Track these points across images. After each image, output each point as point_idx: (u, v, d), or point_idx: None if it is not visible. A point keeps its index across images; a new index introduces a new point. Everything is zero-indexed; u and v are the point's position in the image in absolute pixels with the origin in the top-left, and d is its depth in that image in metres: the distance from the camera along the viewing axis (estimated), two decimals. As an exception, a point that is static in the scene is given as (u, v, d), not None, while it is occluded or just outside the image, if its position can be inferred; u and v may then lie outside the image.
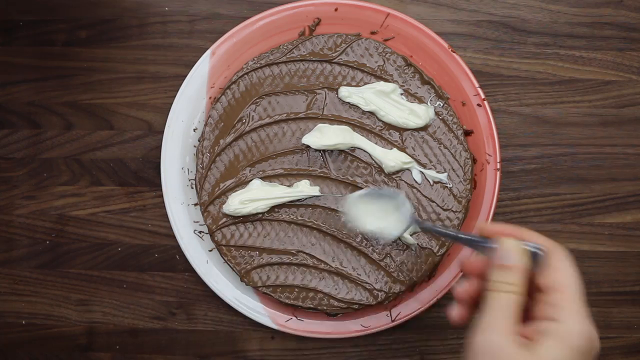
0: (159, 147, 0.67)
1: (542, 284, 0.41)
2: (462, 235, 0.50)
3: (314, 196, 0.63)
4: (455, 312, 0.45)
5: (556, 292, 0.41)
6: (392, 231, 0.55)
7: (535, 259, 0.43)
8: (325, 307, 0.63)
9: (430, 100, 0.63)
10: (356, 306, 0.62)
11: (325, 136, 0.62)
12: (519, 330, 0.40)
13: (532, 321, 0.41)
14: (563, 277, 0.41)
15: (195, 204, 0.66)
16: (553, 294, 0.41)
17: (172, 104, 0.66)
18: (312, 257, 0.63)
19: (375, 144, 0.63)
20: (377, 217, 0.56)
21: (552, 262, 0.42)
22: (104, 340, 0.69)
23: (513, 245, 0.42)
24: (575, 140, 0.67)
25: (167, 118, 0.66)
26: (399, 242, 0.62)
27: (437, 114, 0.63)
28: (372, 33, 0.65)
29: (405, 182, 0.63)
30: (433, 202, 0.63)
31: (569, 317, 0.40)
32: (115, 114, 0.69)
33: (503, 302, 0.41)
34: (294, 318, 0.65)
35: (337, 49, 0.64)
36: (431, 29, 0.64)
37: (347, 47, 0.64)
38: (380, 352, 0.67)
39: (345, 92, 0.63)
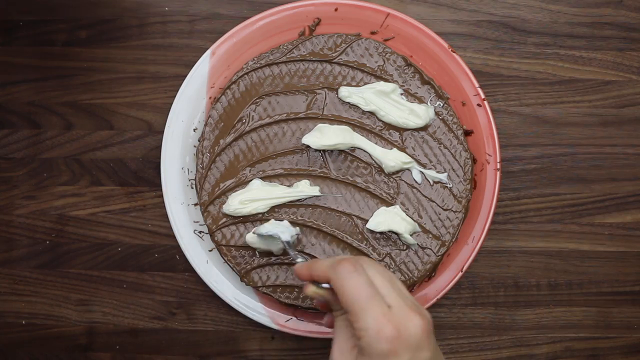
0: (159, 147, 0.67)
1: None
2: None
3: (314, 196, 0.63)
4: (326, 319, 0.53)
5: (348, 314, 0.44)
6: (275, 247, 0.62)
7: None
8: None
9: (430, 100, 0.63)
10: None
11: (325, 136, 0.62)
12: (355, 347, 0.45)
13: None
14: (344, 298, 0.44)
15: (195, 204, 0.66)
16: (348, 316, 0.44)
17: (172, 104, 0.66)
18: (312, 257, 0.63)
19: (375, 144, 0.63)
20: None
21: (334, 288, 0.45)
22: (104, 340, 0.69)
23: (311, 292, 0.48)
24: (575, 140, 0.67)
25: (167, 118, 0.66)
26: (399, 242, 0.62)
27: (437, 114, 0.63)
28: (372, 33, 0.65)
29: (405, 182, 0.63)
30: (433, 202, 0.63)
31: (363, 331, 0.42)
32: (115, 114, 0.69)
33: (340, 324, 0.46)
34: (294, 318, 0.65)
35: (337, 49, 0.64)
36: (431, 29, 0.64)
37: (347, 47, 0.64)
38: (380, 352, 0.67)
39: (345, 92, 0.63)
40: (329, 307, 0.50)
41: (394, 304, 0.44)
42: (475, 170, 0.64)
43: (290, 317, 0.65)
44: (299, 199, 0.63)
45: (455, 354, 0.67)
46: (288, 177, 0.63)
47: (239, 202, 0.62)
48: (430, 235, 0.62)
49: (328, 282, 0.46)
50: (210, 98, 0.66)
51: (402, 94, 0.63)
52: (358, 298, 0.43)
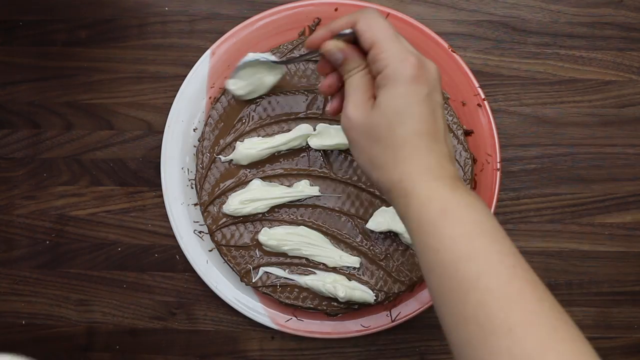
0: (159, 147, 0.67)
1: (365, 50, 0.47)
2: (297, 56, 0.56)
3: (314, 196, 0.63)
4: (332, 104, 0.52)
5: (373, 48, 0.45)
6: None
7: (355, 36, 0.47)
8: (325, 307, 0.63)
9: (430, 100, 0.63)
10: (356, 306, 0.62)
11: (325, 136, 0.62)
12: (371, 98, 0.46)
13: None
14: (370, 33, 0.46)
15: (195, 204, 0.66)
16: (372, 52, 0.45)
17: (172, 104, 0.66)
18: (311, 260, 0.63)
19: (375, 144, 0.63)
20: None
21: (360, 30, 0.46)
22: (104, 340, 0.69)
23: (332, 46, 0.48)
24: (575, 140, 0.67)
25: (167, 118, 0.66)
26: (399, 242, 0.62)
27: (437, 114, 0.63)
28: (372, 33, 0.65)
29: (405, 182, 0.63)
30: (433, 202, 0.62)
31: (389, 59, 0.45)
32: (115, 114, 0.69)
33: (354, 82, 0.47)
34: (294, 318, 0.65)
35: (337, 49, 0.63)
36: (431, 29, 0.64)
37: (347, 47, 0.63)
38: (380, 352, 0.67)
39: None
40: (333, 69, 0.50)
41: (412, 50, 0.46)
42: (475, 170, 0.64)
43: (290, 317, 0.65)
44: (299, 199, 0.63)
45: (455, 354, 0.67)
46: (288, 177, 0.63)
47: (239, 202, 0.62)
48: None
49: (352, 27, 0.47)
50: (210, 98, 0.66)
51: None
52: (386, 32, 0.45)
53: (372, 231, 0.62)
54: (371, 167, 0.46)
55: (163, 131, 0.66)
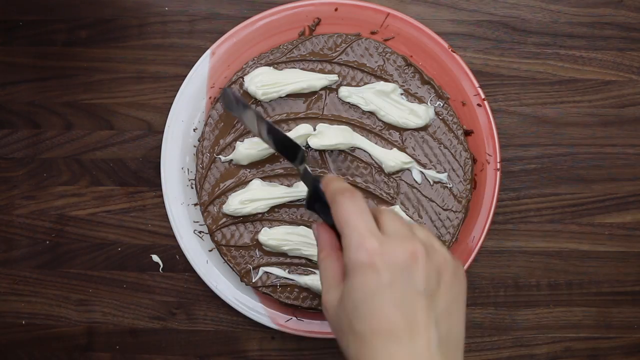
0: (159, 147, 0.67)
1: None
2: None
3: (314, 196, 0.63)
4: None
5: (341, 237, 0.43)
6: None
7: None
8: (325, 307, 0.63)
9: (430, 100, 0.63)
10: (356, 306, 0.62)
11: (325, 136, 0.62)
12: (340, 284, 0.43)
13: None
14: (338, 217, 0.43)
15: (195, 204, 0.66)
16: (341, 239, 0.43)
17: (172, 104, 0.66)
18: (309, 260, 0.63)
19: (375, 143, 0.63)
20: None
21: (333, 214, 0.44)
22: (104, 340, 0.69)
23: (313, 227, 0.47)
24: (575, 140, 0.67)
25: (167, 118, 0.66)
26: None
27: (437, 114, 0.63)
28: (372, 33, 0.65)
29: (405, 182, 0.63)
30: (433, 202, 0.63)
31: (346, 247, 0.41)
32: (115, 114, 0.69)
33: (323, 268, 0.45)
34: (294, 318, 0.65)
35: (337, 49, 0.64)
36: (431, 29, 0.64)
37: (347, 47, 0.63)
38: (380, 352, 0.67)
39: (345, 92, 0.63)
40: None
41: (391, 230, 0.41)
42: (475, 170, 0.64)
43: (290, 317, 0.65)
44: (299, 199, 0.63)
45: (455, 354, 0.67)
46: (288, 177, 0.63)
47: (239, 202, 0.62)
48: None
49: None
50: (210, 98, 0.66)
51: (402, 94, 0.63)
52: (349, 217, 0.42)
53: (372, 231, 0.62)
54: (347, 357, 0.42)
55: (163, 131, 0.66)
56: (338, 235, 0.46)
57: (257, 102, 0.63)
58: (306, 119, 0.63)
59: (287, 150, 0.52)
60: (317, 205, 0.48)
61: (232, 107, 0.53)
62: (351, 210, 0.42)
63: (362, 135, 0.63)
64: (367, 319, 0.39)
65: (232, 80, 0.64)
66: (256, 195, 0.62)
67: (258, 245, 0.63)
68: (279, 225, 0.63)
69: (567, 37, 0.67)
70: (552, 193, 0.67)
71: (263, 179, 0.63)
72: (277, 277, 0.63)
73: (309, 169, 0.52)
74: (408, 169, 0.63)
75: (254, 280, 0.63)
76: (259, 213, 0.63)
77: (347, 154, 0.63)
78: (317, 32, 0.65)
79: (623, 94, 0.67)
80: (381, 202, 0.63)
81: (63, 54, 0.70)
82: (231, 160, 0.63)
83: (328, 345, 0.67)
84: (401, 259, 0.40)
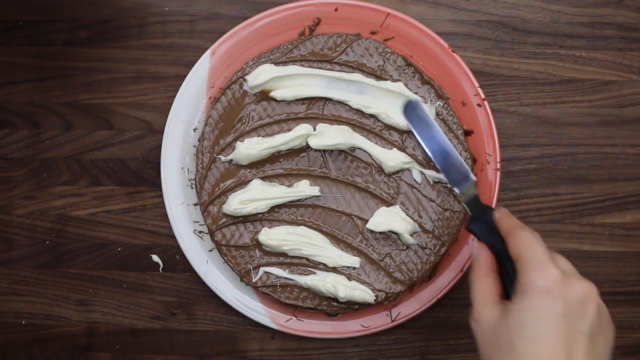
0: (159, 147, 0.67)
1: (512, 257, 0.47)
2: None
3: (314, 196, 0.63)
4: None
5: (517, 261, 0.45)
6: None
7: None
8: (325, 307, 0.63)
9: (430, 100, 0.63)
10: (356, 306, 0.62)
11: (325, 136, 0.62)
12: (498, 302, 0.46)
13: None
14: (517, 249, 0.46)
15: (195, 204, 0.66)
16: (517, 264, 0.45)
17: (172, 104, 0.66)
18: (310, 260, 0.63)
19: (375, 143, 0.63)
20: None
21: (510, 244, 0.47)
22: (104, 340, 0.69)
23: (475, 246, 0.50)
24: (575, 140, 0.67)
25: (167, 118, 0.66)
26: (398, 242, 0.62)
27: (437, 114, 0.63)
28: (372, 33, 0.65)
29: (405, 182, 0.63)
30: (433, 202, 0.63)
31: (527, 268, 0.44)
32: (115, 114, 0.69)
33: (479, 285, 0.48)
34: (294, 318, 0.65)
35: (337, 49, 0.64)
36: (431, 29, 0.64)
37: (347, 47, 0.63)
38: (380, 352, 0.67)
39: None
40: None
41: (566, 268, 0.44)
42: (475, 170, 0.64)
43: (290, 317, 0.65)
44: (299, 199, 0.63)
45: (456, 354, 0.67)
46: (288, 177, 0.63)
47: (239, 202, 0.62)
48: (430, 235, 0.62)
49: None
50: (210, 98, 0.66)
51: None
52: (532, 246, 0.45)
53: (372, 231, 0.62)
54: None
55: (163, 131, 0.66)
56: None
57: (262, 99, 0.63)
58: (306, 119, 0.63)
59: (455, 176, 0.57)
60: (479, 227, 0.53)
61: (413, 120, 0.60)
62: (535, 242, 0.46)
63: (362, 135, 0.63)
64: (532, 341, 0.40)
65: (232, 80, 0.64)
66: (256, 195, 0.62)
67: (258, 245, 0.63)
68: (279, 225, 0.63)
69: (567, 37, 0.67)
70: (552, 193, 0.67)
71: (263, 179, 0.63)
72: (277, 277, 0.63)
73: (478, 196, 0.56)
74: (408, 169, 0.63)
75: (254, 280, 0.63)
76: (259, 213, 0.63)
77: (347, 154, 0.63)
78: (317, 32, 0.65)
79: (623, 94, 0.67)
80: (381, 202, 0.63)
81: (63, 54, 0.70)
82: (231, 160, 0.63)
83: (328, 345, 0.67)
84: (578, 294, 0.42)
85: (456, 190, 0.57)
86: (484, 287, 0.47)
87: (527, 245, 0.45)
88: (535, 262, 0.43)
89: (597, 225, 0.67)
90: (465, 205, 0.56)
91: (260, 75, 0.62)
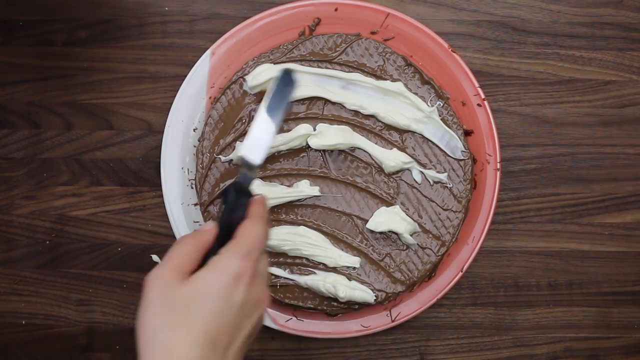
0: (159, 147, 0.67)
1: None
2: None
3: (314, 196, 0.63)
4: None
5: (233, 239, 0.46)
6: None
7: None
8: (325, 307, 0.63)
9: (430, 100, 0.63)
10: (356, 306, 0.62)
11: (325, 136, 0.62)
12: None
13: None
14: (242, 230, 0.46)
15: (195, 204, 0.66)
16: (231, 241, 0.46)
17: (172, 104, 0.66)
18: (311, 261, 0.63)
19: (375, 144, 0.63)
20: None
21: (243, 224, 0.47)
22: (104, 340, 0.69)
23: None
24: (575, 140, 0.67)
25: (167, 118, 0.66)
26: (398, 242, 0.62)
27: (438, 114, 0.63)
28: (372, 33, 0.65)
29: (405, 182, 0.63)
30: (433, 202, 0.63)
31: (227, 252, 0.45)
32: (115, 114, 0.69)
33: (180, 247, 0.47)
34: (294, 318, 0.65)
35: (337, 49, 0.64)
36: (431, 29, 0.64)
37: (347, 47, 0.63)
38: (380, 352, 0.67)
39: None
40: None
41: (261, 271, 0.46)
42: (475, 170, 0.64)
43: (290, 317, 0.65)
44: (299, 199, 0.63)
45: (455, 354, 0.67)
46: (288, 177, 0.63)
47: (239, 202, 0.62)
48: (430, 235, 0.62)
49: None
50: (210, 98, 0.66)
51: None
52: (252, 239, 0.46)
53: (372, 231, 0.62)
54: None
55: (163, 131, 0.66)
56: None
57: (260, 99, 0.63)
58: (306, 119, 0.63)
59: (256, 149, 0.52)
60: (234, 194, 0.49)
61: (280, 86, 0.53)
62: (260, 236, 0.46)
63: (362, 135, 0.63)
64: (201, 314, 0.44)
65: (232, 80, 0.64)
66: (256, 195, 0.62)
67: (258, 245, 0.63)
68: (279, 225, 0.63)
69: (567, 37, 0.67)
70: (552, 193, 0.67)
71: (263, 179, 0.63)
72: (277, 277, 0.63)
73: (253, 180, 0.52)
74: (408, 169, 0.63)
75: (254, 280, 0.63)
76: (259, 213, 0.63)
77: (347, 154, 0.63)
78: (317, 32, 0.65)
79: (623, 94, 0.67)
80: (381, 202, 0.63)
81: (63, 54, 0.70)
82: (231, 160, 0.63)
83: (328, 345, 0.67)
84: (248, 299, 0.45)
85: (250, 161, 0.50)
86: (183, 251, 0.46)
87: (254, 233, 0.46)
88: (242, 248, 0.45)
89: (597, 225, 0.67)
90: (241, 173, 0.50)
91: (260, 75, 0.62)
